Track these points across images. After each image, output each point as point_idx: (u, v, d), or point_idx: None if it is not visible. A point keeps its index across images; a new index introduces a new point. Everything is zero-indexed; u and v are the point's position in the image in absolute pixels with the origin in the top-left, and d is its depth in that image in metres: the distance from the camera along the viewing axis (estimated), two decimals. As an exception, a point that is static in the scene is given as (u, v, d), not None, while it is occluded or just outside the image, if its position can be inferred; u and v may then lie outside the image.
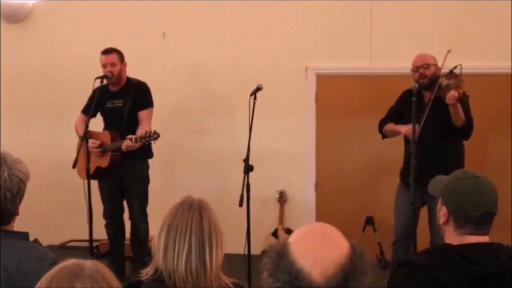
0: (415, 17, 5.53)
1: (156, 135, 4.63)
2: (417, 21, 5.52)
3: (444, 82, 4.25)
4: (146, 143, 4.67)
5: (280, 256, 1.26)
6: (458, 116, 4.26)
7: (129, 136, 4.66)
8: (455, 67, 4.31)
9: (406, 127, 4.42)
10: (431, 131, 4.33)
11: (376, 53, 5.60)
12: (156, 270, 1.97)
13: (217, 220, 2.00)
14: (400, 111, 4.60)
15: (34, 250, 2.06)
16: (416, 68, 4.47)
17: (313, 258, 1.22)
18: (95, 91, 4.95)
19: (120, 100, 4.94)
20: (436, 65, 4.46)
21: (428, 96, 4.40)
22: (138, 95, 4.94)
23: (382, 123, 4.73)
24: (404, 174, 4.45)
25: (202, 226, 1.95)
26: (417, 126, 4.13)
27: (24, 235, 2.12)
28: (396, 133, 4.64)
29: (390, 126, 4.67)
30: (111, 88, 4.97)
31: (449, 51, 4.25)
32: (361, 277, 1.22)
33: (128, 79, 5.01)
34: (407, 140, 4.43)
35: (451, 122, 4.32)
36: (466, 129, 4.40)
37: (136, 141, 4.63)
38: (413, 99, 4.16)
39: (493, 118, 5.35)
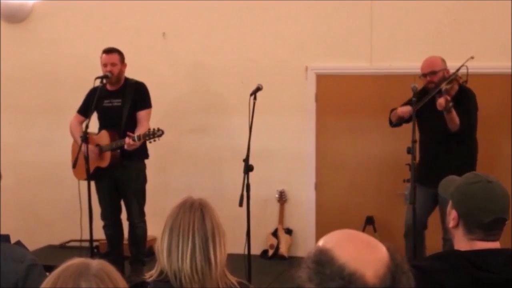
0: (415, 17, 5.53)
1: (160, 132, 4.57)
2: (417, 21, 5.52)
3: (443, 87, 4.31)
4: (151, 141, 4.64)
5: (322, 264, 1.24)
6: (451, 122, 4.31)
7: (131, 134, 4.62)
8: (458, 69, 4.33)
9: (404, 107, 4.55)
10: (438, 133, 4.43)
11: (376, 53, 5.60)
12: (161, 272, 1.96)
13: (218, 218, 2.01)
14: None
15: (11, 252, 2.03)
16: (423, 75, 4.55)
17: (363, 260, 1.23)
18: (92, 91, 4.94)
19: (119, 100, 4.92)
20: (444, 69, 4.52)
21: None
22: (137, 95, 4.93)
23: (391, 111, 4.81)
24: (419, 173, 4.34)
25: (205, 224, 1.96)
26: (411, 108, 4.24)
27: (5, 238, 2.09)
28: (398, 116, 4.66)
29: (394, 111, 4.75)
30: (109, 87, 4.94)
31: (471, 57, 4.34)
32: (404, 275, 1.24)
33: (126, 79, 4.99)
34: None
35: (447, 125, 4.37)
36: (459, 134, 4.43)
37: (139, 139, 4.59)
38: (413, 99, 4.17)
39: (493, 118, 5.34)
